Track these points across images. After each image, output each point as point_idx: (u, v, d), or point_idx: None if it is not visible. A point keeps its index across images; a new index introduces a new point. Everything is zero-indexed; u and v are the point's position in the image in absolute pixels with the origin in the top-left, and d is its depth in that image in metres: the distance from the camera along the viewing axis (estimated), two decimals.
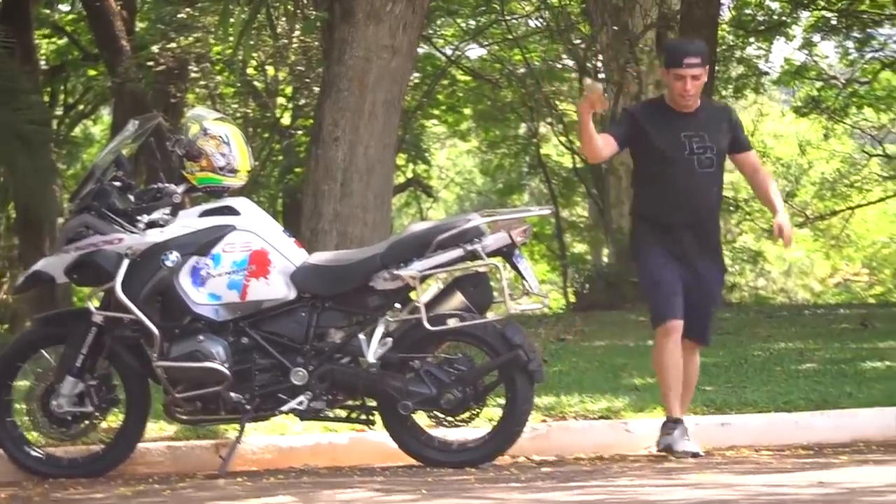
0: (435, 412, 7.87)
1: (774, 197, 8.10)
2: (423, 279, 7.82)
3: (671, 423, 7.85)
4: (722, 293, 8.24)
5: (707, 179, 7.93)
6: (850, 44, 28.23)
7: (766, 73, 27.52)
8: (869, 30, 27.35)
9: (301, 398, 7.82)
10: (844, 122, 29.11)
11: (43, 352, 8.18)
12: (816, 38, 27.59)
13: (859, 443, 8.30)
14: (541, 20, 26.60)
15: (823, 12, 26.51)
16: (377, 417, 7.94)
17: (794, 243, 7.94)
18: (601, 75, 25.12)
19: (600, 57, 24.40)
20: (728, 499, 6.02)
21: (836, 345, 11.85)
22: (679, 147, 7.90)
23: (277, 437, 8.33)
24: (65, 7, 26.10)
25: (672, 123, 7.95)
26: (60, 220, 17.66)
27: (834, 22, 26.80)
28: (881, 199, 32.81)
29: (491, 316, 7.93)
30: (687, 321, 7.93)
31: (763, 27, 25.23)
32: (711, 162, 7.92)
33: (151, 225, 7.96)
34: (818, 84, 28.14)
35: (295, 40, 21.49)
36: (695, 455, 7.76)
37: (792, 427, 8.27)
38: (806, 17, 26.91)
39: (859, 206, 32.55)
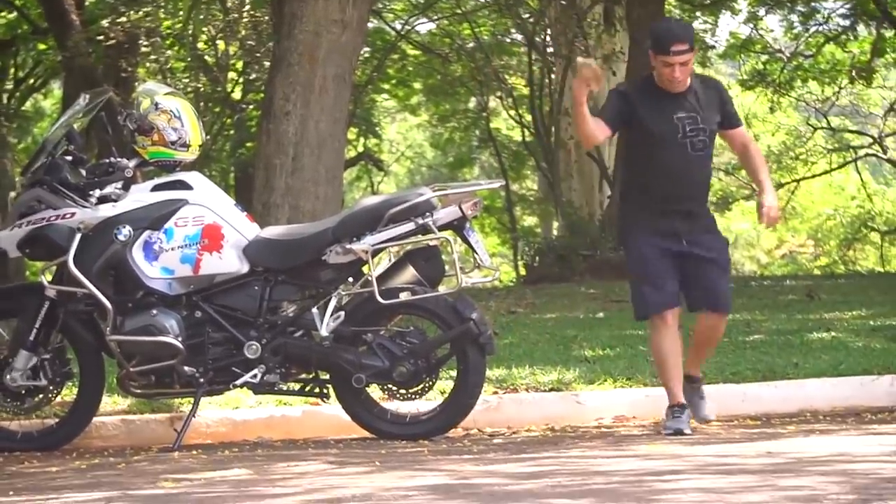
0: (388, 385, 7.87)
1: (764, 176, 7.91)
2: (375, 253, 7.80)
3: (677, 409, 7.60)
4: (727, 259, 7.84)
5: (700, 162, 7.71)
6: (794, 18, 28.34)
7: (713, 47, 27.62)
8: (813, 3, 27.44)
9: (255, 372, 7.80)
10: (790, 96, 29.26)
11: None
12: (762, 12, 27.69)
13: (806, 413, 8.33)
14: None
15: None
16: (330, 390, 7.94)
17: (777, 225, 7.89)
18: (549, 49, 25.16)
19: (549, 31, 24.43)
20: (677, 469, 6.04)
21: (783, 316, 11.90)
22: (672, 130, 7.63)
23: (231, 410, 8.31)
24: None
25: (664, 105, 7.67)
26: (12, 195, 17.55)
27: None
28: (826, 172, 32.97)
29: (442, 289, 7.93)
30: (696, 294, 7.75)
31: (709, 1, 25.30)
32: (704, 144, 7.69)
33: (103, 199, 7.92)
34: (764, 58, 28.27)
35: (245, 15, 21.42)
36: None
37: (740, 398, 8.30)
38: None
39: (804, 178, 32.73)
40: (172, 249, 7.84)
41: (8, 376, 7.88)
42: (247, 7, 20.99)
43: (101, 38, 20.21)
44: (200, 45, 23.36)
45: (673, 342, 7.69)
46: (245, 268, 7.88)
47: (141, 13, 20.29)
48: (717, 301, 7.75)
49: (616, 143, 19.24)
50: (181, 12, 16.06)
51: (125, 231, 7.78)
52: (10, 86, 27.32)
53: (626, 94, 7.88)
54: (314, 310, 7.84)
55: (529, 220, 34.53)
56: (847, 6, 27.23)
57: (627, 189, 8.04)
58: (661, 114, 7.66)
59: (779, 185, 31.85)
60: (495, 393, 8.47)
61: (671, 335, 7.70)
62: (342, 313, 7.81)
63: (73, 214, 7.83)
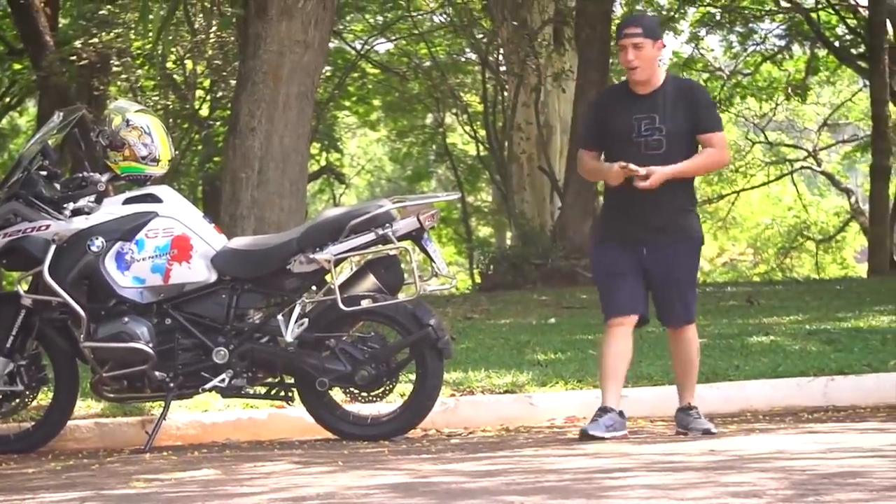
0: (350, 388, 7.85)
1: (687, 162, 7.37)
2: (337, 262, 7.79)
3: (599, 412, 7.38)
4: (688, 269, 7.47)
5: (655, 162, 7.29)
6: (733, 38, 28.52)
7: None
8: (751, 24, 27.63)
9: (223, 376, 7.78)
10: (729, 111, 29.40)
11: None
12: (702, 32, 27.86)
13: (747, 413, 8.36)
14: (445, 16, 26.65)
15: (709, 8, 26.75)
16: (295, 394, 7.92)
17: (643, 183, 7.17)
18: (502, 68, 25.19)
19: (501, 51, 24.47)
20: (625, 466, 6.04)
21: (725, 321, 11.94)
22: (628, 128, 7.36)
23: (200, 413, 8.28)
24: None
25: (627, 106, 7.41)
26: None
27: (718, 17, 27.04)
28: (764, 184, 33.18)
29: (402, 297, 7.93)
30: (656, 307, 7.53)
31: None
32: (660, 144, 7.32)
33: (77, 212, 7.89)
34: (705, 75, 28.41)
35: (212, 36, 21.36)
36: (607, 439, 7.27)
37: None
38: (692, 12, 27.15)
39: (744, 189, 32.90)
40: (143, 260, 7.81)
41: None
42: (213, 28, 20.93)
43: (74, 58, 20.13)
44: (169, 64, 23.30)
45: (615, 347, 7.46)
46: (213, 277, 7.86)
47: (112, 34, 20.22)
48: (672, 315, 7.54)
49: (567, 156, 19.29)
50: (151, 33, 16.01)
51: (98, 242, 7.75)
52: None
53: (598, 102, 7.78)
54: (279, 317, 7.82)
55: (484, 231, 34.57)
56: (783, 27, 27.40)
57: (604, 193, 7.81)
58: (621, 113, 7.43)
59: (720, 197, 32.04)
60: (452, 395, 8.46)
61: (615, 341, 7.47)
62: (306, 320, 7.80)
63: (48, 227, 7.80)
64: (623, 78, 7.74)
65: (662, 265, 7.43)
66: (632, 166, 7.26)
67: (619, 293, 7.48)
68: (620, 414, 7.41)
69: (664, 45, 7.58)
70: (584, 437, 7.28)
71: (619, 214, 7.53)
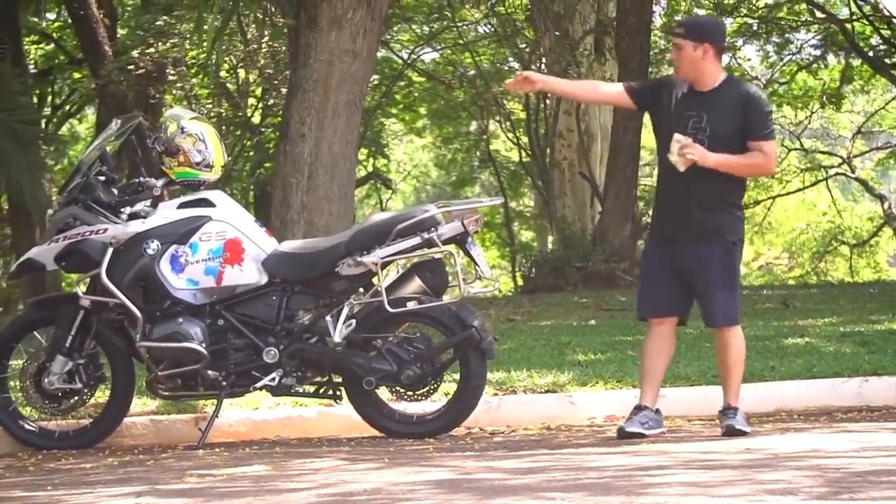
0: (396, 387, 7.86)
1: (734, 157, 7.24)
2: (384, 265, 7.80)
3: (634, 410, 7.37)
4: (721, 271, 7.31)
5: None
6: (770, 48, 28.37)
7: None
8: (787, 35, 27.48)
9: (273, 375, 7.80)
10: None
11: (35, 333, 8.16)
12: (740, 42, 27.71)
13: (782, 412, 8.32)
14: (489, 26, 26.62)
15: (746, 19, 26.63)
16: (343, 392, 7.93)
17: (681, 162, 7.06)
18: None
19: (543, 60, 24.43)
20: (664, 464, 6.03)
21: (760, 323, 11.88)
22: (675, 124, 7.26)
23: (251, 411, 8.30)
24: (52, 15, 25.93)
25: (684, 100, 7.33)
26: (50, 212, 17.52)
27: (755, 28, 26.92)
28: (799, 190, 32.98)
29: (446, 298, 7.92)
30: (699, 305, 7.44)
31: None
32: (703, 144, 7.15)
33: (133, 216, 7.93)
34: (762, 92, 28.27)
35: (264, 45, 21.41)
36: (642, 435, 7.25)
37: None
38: (730, 23, 27.00)
39: (780, 195, 32.73)
40: (197, 262, 7.84)
41: (46, 380, 7.89)
42: (265, 38, 20.99)
43: (132, 67, 20.22)
44: (223, 73, 23.37)
45: (654, 348, 7.46)
46: (264, 279, 7.88)
47: (168, 44, 20.30)
48: (708, 316, 7.45)
49: (606, 164, 19.25)
50: (205, 43, 16.07)
51: (153, 245, 7.79)
52: (47, 112, 27.32)
53: (663, 82, 7.62)
54: (328, 318, 7.83)
55: (526, 235, 34.51)
56: (818, 37, 27.25)
57: (656, 190, 7.72)
58: (677, 106, 7.34)
59: (756, 203, 31.87)
60: (495, 394, 8.45)
61: (654, 342, 7.47)
62: (354, 321, 7.81)
63: (105, 230, 7.84)
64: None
65: (694, 266, 7.35)
66: (680, 136, 7.16)
67: (654, 293, 7.46)
68: (657, 412, 7.39)
69: (715, 49, 7.34)
70: (622, 434, 7.27)
71: (661, 211, 7.50)
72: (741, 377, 7.59)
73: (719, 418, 7.46)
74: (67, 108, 28.62)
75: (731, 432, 7.25)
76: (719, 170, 7.23)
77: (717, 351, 7.61)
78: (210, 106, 23.36)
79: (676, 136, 7.20)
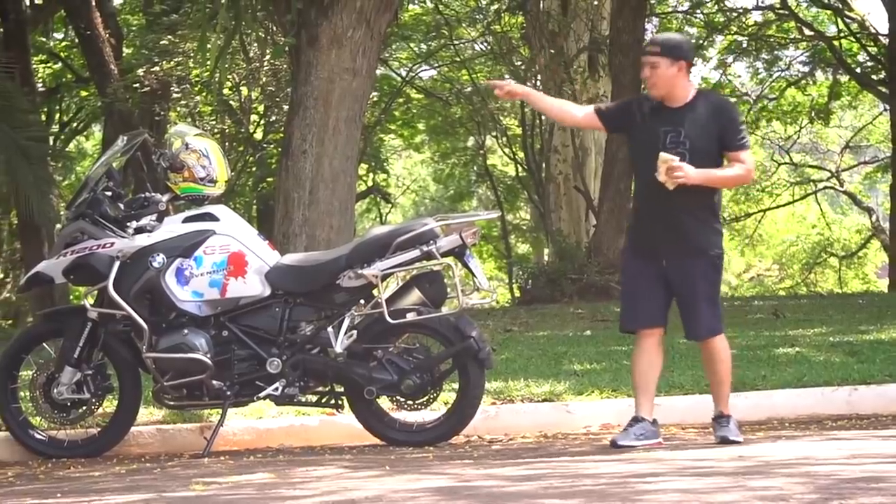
0: (396, 397, 7.86)
1: (717, 168, 7.24)
2: (384, 277, 7.80)
3: (630, 421, 7.35)
4: (705, 285, 7.26)
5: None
6: (759, 64, 28.43)
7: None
8: (776, 52, 27.54)
9: (276, 385, 7.80)
10: (756, 134, 29.28)
11: (44, 345, 8.17)
12: (730, 59, 27.77)
13: (773, 421, 8.32)
14: (485, 44, 26.66)
15: (736, 36, 26.68)
16: (345, 402, 7.93)
17: (668, 177, 7.00)
18: None
19: (539, 77, 24.46)
20: (658, 471, 6.02)
21: (752, 333, 11.87)
22: (653, 140, 7.18)
23: (255, 420, 8.29)
24: (59, 35, 25.96)
25: (656, 117, 7.26)
26: (58, 227, 17.53)
27: (745, 45, 26.97)
28: (789, 203, 33.05)
29: (445, 310, 7.92)
30: (681, 318, 7.40)
31: None
32: (683, 157, 7.08)
33: (139, 230, 7.94)
34: (732, 100, 28.27)
35: (266, 63, 21.44)
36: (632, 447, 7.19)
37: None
38: (720, 40, 27.07)
39: (770, 208, 32.76)
40: (202, 275, 7.84)
41: (55, 390, 7.90)
42: (267, 56, 21.01)
43: (137, 85, 20.25)
44: (226, 90, 23.38)
45: (644, 360, 7.40)
46: (267, 291, 7.88)
47: (172, 63, 20.32)
48: (691, 330, 7.41)
49: (601, 177, 19.26)
50: (208, 62, 16.08)
51: (159, 258, 7.79)
52: (55, 129, 27.34)
53: (633, 101, 7.57)
54: (329, 329, 7.83)
55: (523, 248, 34.51)
56: (806, 54, 27.31)
57: (633, 205, 7.69)
58: (650, 124, 7.28)
59: (747, 215, 31.91)
60: (493, 403, 8.45)
61: (642, 352, 7.41)
62: (355, 332, 7.81)
63: (112, 244, 7.84)
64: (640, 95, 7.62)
65: (680, 279, 7.31)
66: (667, 156, 7.09)
67: (639, 305, 7.40)
68: (653, 423, 7.37)
69: (688, 65, 7.33)
70: (614, 446, 7.24)
71: (644, 226, 7.43)
72: (730, 384, 7.57)
73: (713, 426, 7.46)
74: (75, 125, 28.65)
75: (724, 443, 7.23)
76: (705, 185, 7.21)
77: (704, 362, 7.57)
78: (213, 123, 23.38)
79: (662, 155, 7.14)
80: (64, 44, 26.12)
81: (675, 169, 7.09)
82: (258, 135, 24.55)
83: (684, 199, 7.18)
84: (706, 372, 7.63)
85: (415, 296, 7.87)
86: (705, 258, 7.31)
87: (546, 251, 28.39)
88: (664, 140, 7.21)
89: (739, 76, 29.74)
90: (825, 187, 32.76)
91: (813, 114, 28.22)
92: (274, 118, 23.10)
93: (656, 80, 7.28)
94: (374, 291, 7.84)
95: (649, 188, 7.27)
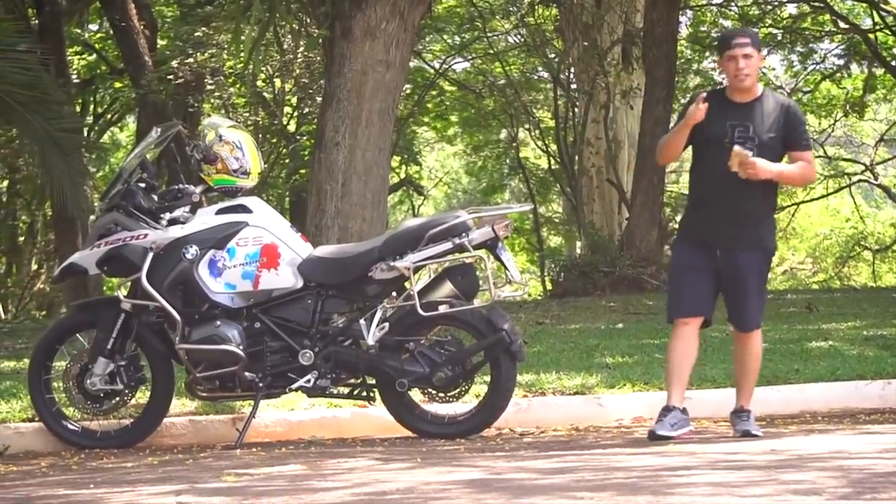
0: (428, 389, 7.86)
1: (783, 166, 7.34)
2: (416, 270, 7.81)
3: (663, 411, 7.35)
4: (758, 278, 7.36)
5: None
6: (794, 57, 28.30)
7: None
8: (811, 45, 27.40)
9: (308, 377, 7.81)
10: None
11: (78, 336, 8.20)
12: (764, 52, 27.63)
13: (806, 414, 8.30)
14: (519, 36, 26.62)
15: (771, 29, 26.55)
16: (376, 394, 7.93)
17: (741, 169, 7.10)
18: (573, 85, 25.14)
19: (572, 69, 24.41)
20: (690, 465, 6.01)
21: (785, 326, 11.84)
22: (721, 133, 7.24)
23: (287, 412, 8.31)
24: (94, 26, 26.05)
25: (723, 112, 7.31)
26: (92, 218, 17.60)
27: (780, 38, 26.85)
28: (823, 196, 32.88)
29: (477, 302, 7.92)
30: (728, 308, 7.47)
31: (717, 43, 25.25)
32: (752, 153, 7.14)
33: (173, 222, 7.96)
34: None
35: (299, 55, 21.46)
36: (668, 438, 7.22)
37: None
38: (755, 33, 26.95)
39: (804, 202, 32.62)
40: (234, 267, 7.86)
41: (88, 381, 7.93)
42: (301, 49, 21.02)
43: (171, 77, 20.29)
44: (259, 82, 23.42)
45: (680, 349, 7.42)
46: (299, 283, 7.89)
47: (206, 54, 20.36)
48: (737, 320, 7.46)
49: (634, 170, 19.21)
50: (242, 53, 16.10)
51: (192, 250, 7.81)
52: (90, 120, 27.43)
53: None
54: (361, 321, 7.84)
55: (555, 240, 34.45)
56: (841, 47, 27.17)
57: (689, 192, 7.72)
58: (717, 118, 7.31)
59: (780, 208, 31.76)
60: (525, 396, 8.45)
61: (680, 343, 7.42)
62: (387, 324, 7.82)
63: (145, 235, 7.87)
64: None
65: (734, 270, 7.34)
66: (740, 150, 7.15)
67: (685, 294, 7.42)
68: (683, 411, 7.37)
69: (764, 58, 7.47)
70: (653, 437, 7.25)
71: (703, 217, 7.44)
72: (756, 379, 7.60)
73: (732, 420, 7.47)
74: (109, 116, 28.74)
75: (746, 436, 7.27)
76: (775, 180, 7.32)
77: (736, 353, 7.60)
78: (247, 115, 23.42)
79: (736, 148, 7.19)
80: (99, 35, 26.19)
81: (748, 164, 7.15)
82: (291, 127, 24.59)
83: (749, 192, 7.25)
84: (736, 364, 7.64)
85: (447, 288, 7.87)
86: (761, 251, 7.40)
87: (578, 244, 28.34)
88: (731, 134, 7.28)
89: (774, 69, 29.60)
90: (859, 180, 32.59)
91: (847, 107, 28.07)
92: (307, 110, 23.13)
93: (751, 70, 7.34)
94: (406, 284, 7.84)
95: (713, 181, 7.32)
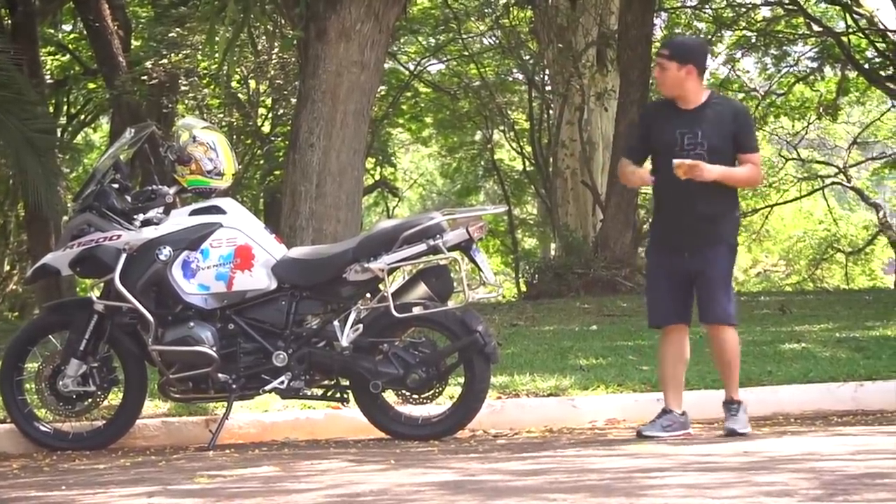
0: (402, 391, 7.85)
1: (727, 169, 7.42)
2: (390, 271, 7.80)
3: (661, 411, 7.52)
4: (721, 269, 7.44)
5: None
6: (768, 60, 28.38)
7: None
8: (785, 47, 27.49)
9: (282, 378, 7.79)
10: (763, 130, 29.22)
11: (50, 337, 8.17)
12: (738, 54, 27.72)
13: (779, 416, 8.32)
14: (494, 38, 26.62)
15: (745, 31, 26.63)
16: (350, 395, 7.93)
17: (686, 174, 7.25)
18: (548, 87, 25.17)
19: (547, 71, 24.43)
20: (663, 466, 6.02)
21: (758, 328, 11.87)
22: (672, 142, 7.44)
23: (261, 413, 8.30)
24: (68, 27, 25.96)
25: (671, 120, 7.51)
26: (65, 219, 17.54)
27: (754, 40, 26.92)
28: (796, 199, 32.95)
29: (451, 304, 7.92)
30: (699, 307, 7.56)
31: None
32: (701, 158, 7.33)
33: (146, 223, 7.93)
34: (740, 95, 28.26)
35: (274, 56, 21.44)
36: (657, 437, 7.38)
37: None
38: (729, 35, 27.03)
39: (777, 204, 32.70)
40: (208, 268, 7.84)
41: (61, 382, 7.90)
42: (275, 49, 21.00)
43: (145, 77, 20.25)
44: (234, 83, 23.38)
45: (669, 354, 7.58)
46: (273, 285, 7.88)
47: (181, 55, 20.32)
48: (707, 313, 7.55)
49: (609, 171, 19.24)
50: (217, 54, 16.09)
51: (166, 251, 7.79)
52: (63, 121, 27.34)
53: (644, 113, 7.85)
54: (335, 322, 7.83)
55: (530, 242, 34.49)
56: (815, 50, 27.25)
57: (654, 203, 7.89)
58: (666, 127, 7.53)
59: (753, 211, 31.86)
60: (499, 398, 8.45)
61: (669, 348, 7.58)
62: (361, 325, 7.81)
63: (119, 236, 7.84)
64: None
65: (701, 266, 7.47)
66: (677, 161, 7.32)
67: (661, 302, 7.58)
68: (682, 414, 7.52)
69: (698, 70, 7.57)
70: (640, 437, 7.38)
71: (665, 222, 7.63)
72: (738, 370, 7.69)
73: (724, 411, 7.57)
74: (82, 117, 28.64)
75: (731, 435, 7.35)
76: (721, 181, 7.41)
77: (713, 349, 7.69)
78: (221, 115, 23.38)
79: (675, 162, 7.35)
80: (72, 36, 26.11)
81: (693, 167, 7.31)
82: (266, 128, 24.55)
83: (703, 195, 7.40)
84: (715, 361, 7.74)
85: (421, 290, 7.87)
86: (723, 245, 7.52)
87: (553, 246, 28.37)
88: (682, 142, 7.46)
89: (748, 71, 29.67)
90: (832, 183, 32.68)
91: (821, 109, 28.16)
92: (282, 111, 23.09)
93: (665, 80, 7.55)
94: (381, 285, 7.83)
95: (669, 186, 7.47)
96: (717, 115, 7.51)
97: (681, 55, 7.53)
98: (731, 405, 7.55)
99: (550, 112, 25.33)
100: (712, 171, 7.35)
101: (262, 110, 24.62)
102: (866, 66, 25.95)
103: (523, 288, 21.97)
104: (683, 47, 7.77)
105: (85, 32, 23.27)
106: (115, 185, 8.03)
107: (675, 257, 7.53)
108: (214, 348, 7.74)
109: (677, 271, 7.52)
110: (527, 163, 28.21)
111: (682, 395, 7.63)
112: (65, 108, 27.76)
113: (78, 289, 21.85)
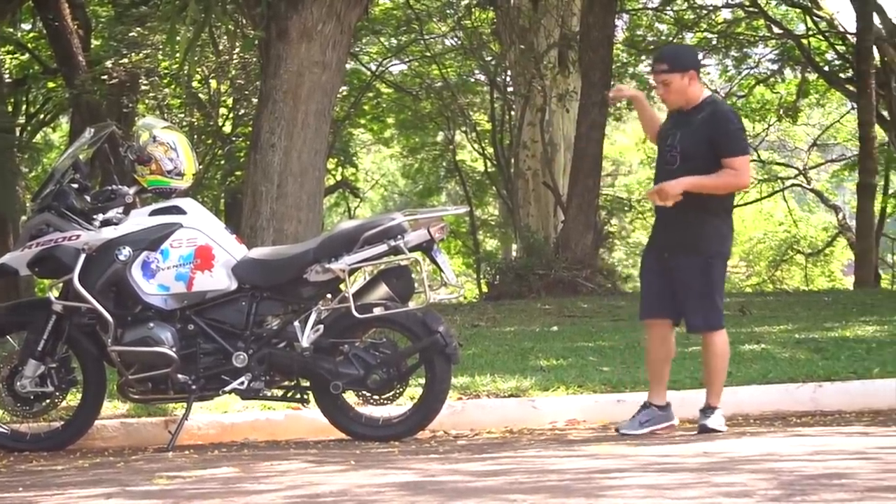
0: (362, 391, 7.85)
1: (701, 175, 7.44)
2: (351, 272, 7.79)
3: (641, 406, 7.67)
4: (700, 281, 7.50)
5: (669, 176, 7.44)
6: (728, 62, 28.52)
7: (655, 87, 27.70)
8: (745, 50, 27.62)
9: (242, 379, 7.77)
10: None
11: (8, 337, 8.12)
12: (700, 56, 27.80)
13: (738, 417, 8.34)
14: (456, 39, 26.65)
15: (706, 33, 26.75)
16: (310, 396, 7.91)
17: (661, 201, 7.41)
18: (510, 88, 25.20)
19: (509, 72, 24.47)
20: (622, 467, 6.03)
21: None
22: (661, 143, 7.65)
23: (220, 414, 8.28)
24: (27, 25, 25.81)
25: (668, 121, 7.72)
26: (24, 218, 17.45)
27: (715, 42, 27.04)
28: (757, 200, 33.13)
29: (412, 305, 7.92)
30: (679, 309, 7.64)
31: (652, 46, 25.39)
32: (675, 160, 7.48)
33: (106, 223, 7.90)
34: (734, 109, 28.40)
35: (235, 56, 21.39)
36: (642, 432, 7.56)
37: (678, 403, 8.25)
38: (690, 37, 27.14)
39: (737, 205, 32.81)
40: (168, 268, 7.81)
41: (18, 383, 7.85)
42: (237, 50, 20.95)
43: (105, 77, 20.17)
44: (195, 83, 23.32)
45: (652, 349, 7.75)
46: (234, 285, 7.85)
47: (141, 55, 20.25)
48: (687, 322, 7.68)
49: (570, 173, 19.27)
50: (177, 54, 16.05)
51: (125, 252, 7.75)
52: (22, 120, 27.20)
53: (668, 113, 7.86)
54: (296, 323, 7.82)
55: (491, 243, 34.52)
56: (775, 52, 27.40)
57: None
58: (663, 128, 7.72)
59: None
60: (460, 398, 8.45)
61: (652, 344, 7.74)
62: (321, 326, 7.79)
63: (78, 236, 7.80)
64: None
65: (677, 272, 7.58)
66: (648, 192, 7.62)
67: (646, 297, 7.74)
68: (663, 407, 7.68)
69: (696, 72, 7.65)
70: (619, 433, 7.54)
71: (655, 223, 7.84)
72: (724, 379, 7.78)
73: (699, 414, 7.66)
74: (42, 116, 28.51)
75: (703, 430, 7.49)
76: (695, 191, 7.44)
77: (703, 355, 7.81)
78: (182, 115, 23.32)
79: (648, 193, 7.59)
80: (31, 34, 25.96)
81: (658, 192, 7.45)
82: (227, 128, 24.49)
83: (680, 204, 7.45)
84: (703, 364, 7.84)
85: (382, 290, 7.86)
86: (699, 257, 7.55)
87: (514, 247, 28.42)
88: (663, 145, 7.64)
89: (709, 73, 29.80)
90: (792, 185, 32.87)
91: (781, 111, 28.32)
92: (243, 111, 23.05)
93: (670, 94, 7.61)
94: (342, 286, 7.83)
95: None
96: (698, 120, 7.54)
97: (680, 64, 7.60)
98: (707, 410, 7.62)
99: (512, 113, 25.38)
100: (675, 187, 7.41)
101: (223, 110, 24.55)
102: (826, 68, 26.13)
103: (484, 289, 21.97)
104: (678, 56, 7.84)
105: (44, 31, 23.15)
106: (75, 185, 7.99)
107: (658, 255, 7.68)
108: (174, 349, 7.71)
109: (661, 269, 7.65)
110: (488, 164, 28.25)
111: (664, 388, 7.76)
112: (24, 107, 27.64)
113: (36, 289, 21.74)
